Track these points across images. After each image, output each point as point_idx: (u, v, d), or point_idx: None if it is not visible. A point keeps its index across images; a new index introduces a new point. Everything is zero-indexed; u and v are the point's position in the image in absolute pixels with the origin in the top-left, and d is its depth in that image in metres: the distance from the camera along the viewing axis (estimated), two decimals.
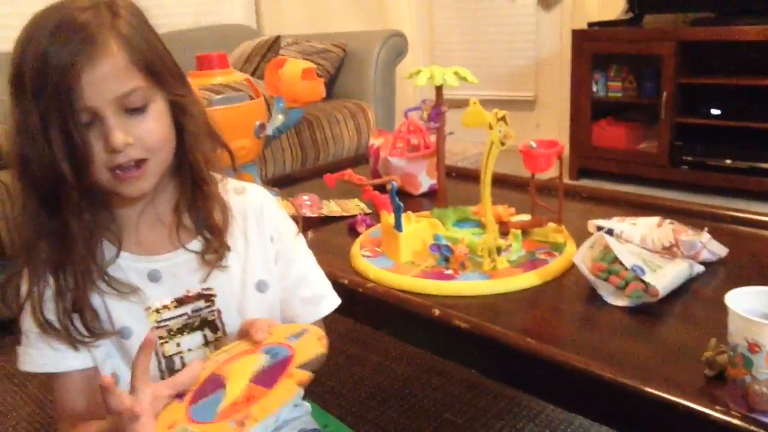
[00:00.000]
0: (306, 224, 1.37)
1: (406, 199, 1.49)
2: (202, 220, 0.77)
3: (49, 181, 0.68)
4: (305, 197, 1.42)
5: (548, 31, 3.66)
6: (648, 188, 2.97)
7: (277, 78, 1.50)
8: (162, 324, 0.77)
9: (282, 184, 1.68)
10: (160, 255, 0.77)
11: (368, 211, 1.41)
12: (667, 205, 1.29)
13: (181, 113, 0.73)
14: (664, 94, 2.86)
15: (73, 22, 0.66)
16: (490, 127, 1.00)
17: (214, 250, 0.77)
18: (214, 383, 0.67)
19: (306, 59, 3.00)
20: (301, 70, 1.44)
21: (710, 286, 0.99)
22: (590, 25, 3.15)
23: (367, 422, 1.45)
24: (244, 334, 0.73)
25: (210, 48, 3.21)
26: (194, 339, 0.78)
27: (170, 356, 0.77)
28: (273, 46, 2.84)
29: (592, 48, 3.07)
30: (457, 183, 1.59)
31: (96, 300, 0.74)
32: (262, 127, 1.45)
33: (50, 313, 0.73)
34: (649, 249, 1.02)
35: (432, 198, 1.50)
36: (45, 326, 0.73)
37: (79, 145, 0.67)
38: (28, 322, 0.74)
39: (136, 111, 0.69)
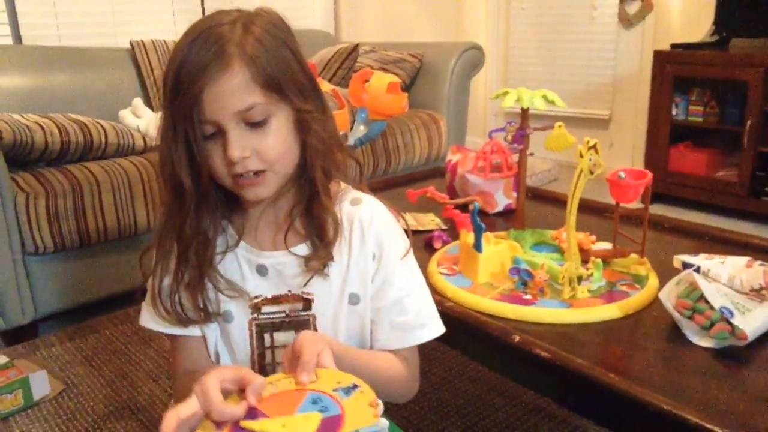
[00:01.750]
0: None
1: (481, 219, 1.50)
2: (313, 228, 0.79)
3: (174, 182, 0.74)
4: None
5: (628, 49, 3.59)
6: (725, 218, 2.88)
7: (362, 89, 1.54)
8: (261, 317, 0.81)
9: None
10: (269, 252, 0.81)
11: (444, 227, 1.42)
12: (755, 243, 1.25)
13: (304, 128, 0.76)
14: (749, 121, 2.76)
15: (209, 36, 0.71)
16: (581, 156, 0.99)
17: (319, 257, 0.79)
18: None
19: (382, 68, 3.05)
20: (386, 84, 1.47)
21: None
22: (673, 46, 3.08)
23: None
24: (292, 358, 0.69)
25: None
26: (288, 337, 0.81)
27: (263, 349, 0.82)
28: (351, 53, 2.89)
29: (673, 70, 3.00)
30: (531, 203, 1.58)
31: (208, 287, 0.80)
32: (345, 137, 1.49)
33: (165, 294, 0.79)
34: (737, 290, 0.99)
35: (507, 218, 1.50)
36: (158, 306, 0.80)
37: (197, 157, 0.73)
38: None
39: (256, 125, 0.73)
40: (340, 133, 1.47)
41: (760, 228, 2.77)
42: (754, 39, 2.99)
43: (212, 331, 0.83)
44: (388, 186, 1.78)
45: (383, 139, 2.74)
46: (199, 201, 0.76)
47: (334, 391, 0.63)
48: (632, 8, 3.50)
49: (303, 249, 0.80)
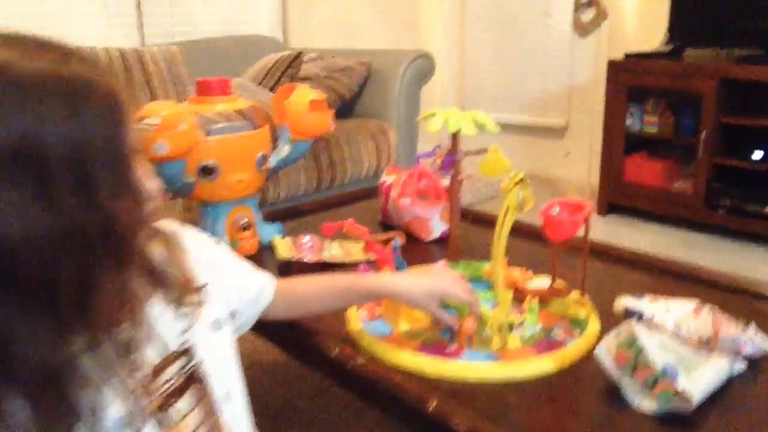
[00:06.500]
0: (306, 269, 1.26)
1: (415, 247, 1.37)
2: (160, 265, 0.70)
3: None
4: (306, 239, 1.31)
5: (583, 58, 3.51)
6: (681, 230, 2.82)
7: (285, 106, 1.40)
8: (155, 396, 0.66)
9: (288, 216, 1.57)
10: None
11: (374, 258, 1.29)
12: (704, 276, 1.15)
13: None
14: (703, 132, 2.70)
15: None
16: (507, 191, 0.87)
17: (179, 295, 0.71)
18: None
19: (329, 76, 2.91)
20: (308, 101, 1.34)
21: (754, 389, 0.85)
22: (627, 56, 3.00)
23: None
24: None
25: (232, 58, 3.17)
26: (186, 401, 0.69)
27: (170, 426, 0.68)
28: (295, 61, 2.74)
29: (628, 79, 2.93)
30: (472, 228, 1.46)
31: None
32: (265, 158, 1.35)
33: None
34: (684, 339, 0.88)
35: (444, 245, 1.38)
36: None
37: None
38: None
39: None
40: (259, 154, 1.34)
41: (715, 240, 2.71)
42: (708, 48, 2.94)
43: None
44: (320, 207, 1.65)
45: (328, 151, 2.61)
46: None
47: None
48: (587, 16, 3.43)
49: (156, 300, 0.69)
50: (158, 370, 0.67)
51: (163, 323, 0.68)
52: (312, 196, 2.58)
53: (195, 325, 0.72)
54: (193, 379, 0.70)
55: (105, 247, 0.58)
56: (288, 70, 2.72)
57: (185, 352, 0.70)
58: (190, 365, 0.70)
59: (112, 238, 0.58)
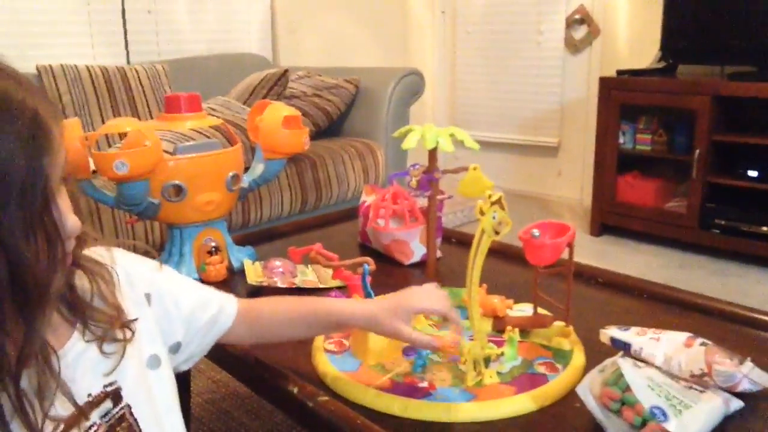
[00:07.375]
0: (277, 295, 1.19)
1: (394, 271, 1.30)
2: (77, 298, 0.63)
3: None
4: (278, 263, 1.24)
5: (575, 75, 3.47)
6: (675, 251, 2.75)
7: (257, 123, 1.34)
8: None
9: (262, 239, 1.50)
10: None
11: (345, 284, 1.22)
12: (699, 303, 1.08)
13: None
14: (697, 151, 2.64)
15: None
16: (482, 213, 0.81)
17: (104, 331, 0.64)
18: None
19: (316, 94, 2.86)
20: (282, 118, 1.27)
21: (752, 428, 0.78)
22: (619, 72, 2.96)
23: None
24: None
25: (220, 76, 3.11)
26: None
27: None
28: (281, 79, 2.69)
29: (620, 97, 2.88)
30: (453, 251, 1.39)
31: None
32: (236, 178, 1.28)
33: None
34: (675, 375, 0.81)
35: (425, 269, 1.31)
36: None
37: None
38: None
39: None
40: (230, 174, 1.27)
41: (710, 261, 2.65)
42: (701, 65, 2.89)
43: None
44: (297, 230, 1.58)
45: (313, 171, 2.55)
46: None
47: None
48: (579, 33, 3.39)
49: (81, 331, 0.63)
50: (74, 418, 0.59)
51: (84, 364, 0.61)
52: (296, 217, 2.51)
53: (125, 362, 0.65)
54: (120, 426, 0.63)
55: (10, 292, 0.51)
56: (274, 88, 2.67)
57: (110, 394, 0.63)
58: (116, 410, 0.63)
59: (18, 283, 0.51)
